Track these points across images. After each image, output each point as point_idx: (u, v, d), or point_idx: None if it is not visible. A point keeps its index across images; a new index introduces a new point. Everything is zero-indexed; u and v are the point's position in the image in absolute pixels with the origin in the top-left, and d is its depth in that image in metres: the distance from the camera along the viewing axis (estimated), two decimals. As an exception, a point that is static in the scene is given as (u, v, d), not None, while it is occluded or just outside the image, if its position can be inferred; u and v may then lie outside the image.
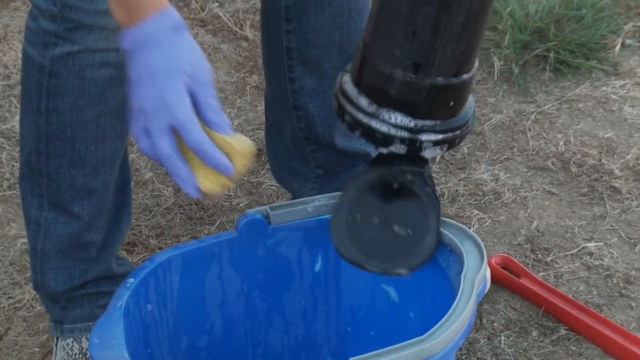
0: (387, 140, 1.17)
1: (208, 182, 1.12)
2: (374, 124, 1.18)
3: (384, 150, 1.19)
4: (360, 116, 1.18)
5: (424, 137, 1.17)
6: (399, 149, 1.18)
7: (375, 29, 1.15)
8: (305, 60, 1.60)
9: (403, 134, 1.17)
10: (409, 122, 1.17)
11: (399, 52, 1.13)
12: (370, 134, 1.18)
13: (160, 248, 1.86)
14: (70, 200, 1.46)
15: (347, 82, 1.21)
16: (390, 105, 1.17)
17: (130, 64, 1.11)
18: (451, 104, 1.16)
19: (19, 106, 2.24)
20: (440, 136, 1.17)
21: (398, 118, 1.17)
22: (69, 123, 1.41)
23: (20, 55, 2.39)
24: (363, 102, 1.18)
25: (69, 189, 1.45)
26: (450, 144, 1.19)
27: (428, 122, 1.17)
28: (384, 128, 1.17)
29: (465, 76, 1.15)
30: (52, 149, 1.43)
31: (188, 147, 1.09)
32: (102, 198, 1.49)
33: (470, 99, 1.22)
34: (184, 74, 1.09)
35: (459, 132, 1.19)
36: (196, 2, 2.66)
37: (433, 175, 2.03)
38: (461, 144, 1.25)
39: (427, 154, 1.19)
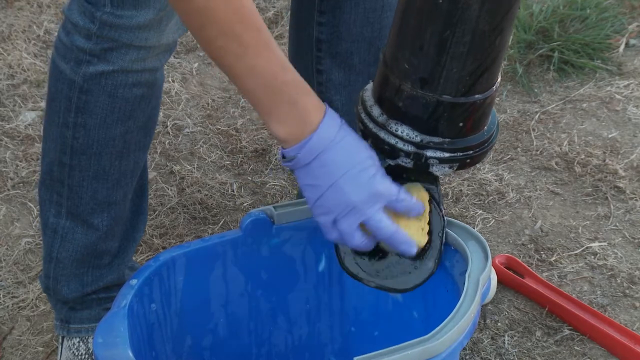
0: (394, 152, 1.17)
1: (416, 235, 1.19)
2: (382, 134, 1.17)
3: (392, 163, 1.18)
4: (371, 125, 1.18)
5: (429, 153, 1.16)
6: (405, 162, 1.17)
7: (390, 39, 1.15)
8: (334, 53, 1.60)
9: (409, 148, 1.16)
10: (415, 136, 1.16)
11: (408, 65, 1.12)
12: (379, 145, 1.18)
13: (164, 248, 1.86)
14: (90, 212, 1.46)
15: (368, 90, 1.21)
16: (399, 118, 1.16)
17: (309, 172, 1.13)
18: (460, 123, 1.15)
19: (23, 105, 2.24)
20: (447, 154, 1.16)
21: (405, 131, 1.16)
22: (96, 139, 1.40)
23: (24, 54, 2.40)
24: (376, 111, 1.18)
25: (90, 202, 1.45)
26: (461, 163, 1.18)
27: (435, 139, 1.15)
28: (391, 140, 1.17)
29: (477, 97, 1.13)
30: (77, 162, 1.42)
31: (398, 212, 1.18)
32: (121, 208, 1.49)
33: (493, 119, 1.20)
34: (372, 161, 1.14)
35: (470, 152, 1.17)
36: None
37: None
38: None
39: (435, 170, 1.18)
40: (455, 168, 1.18)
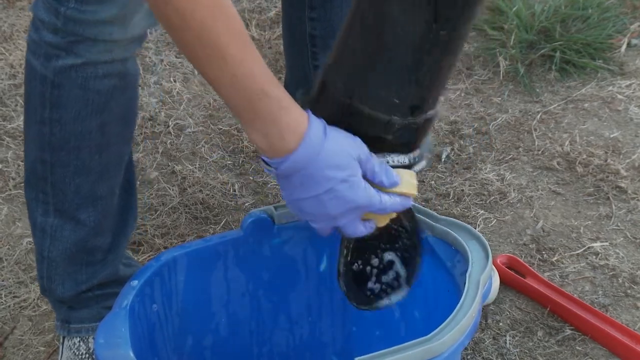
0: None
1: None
2: None
3: None
4: None
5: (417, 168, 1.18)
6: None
7: (336, 54, 1.14)
8: (329, 47, 1.60)
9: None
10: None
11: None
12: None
13: (165, 247, 1.86)
14: (76, 208, 1.46)
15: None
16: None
17: (289, 183, 1.12)
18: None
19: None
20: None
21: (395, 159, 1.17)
22: (72, 133, 1.40)
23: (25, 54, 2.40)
24: None
25: (75, 197, 1.45)
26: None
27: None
28: None
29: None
30: (57, 158, 1.42)
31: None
32: (108, 203, 1.48)
33: None
34: (356, 162, 1.12)
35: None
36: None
37: (439, 175, 2.03)
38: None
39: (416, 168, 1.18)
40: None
